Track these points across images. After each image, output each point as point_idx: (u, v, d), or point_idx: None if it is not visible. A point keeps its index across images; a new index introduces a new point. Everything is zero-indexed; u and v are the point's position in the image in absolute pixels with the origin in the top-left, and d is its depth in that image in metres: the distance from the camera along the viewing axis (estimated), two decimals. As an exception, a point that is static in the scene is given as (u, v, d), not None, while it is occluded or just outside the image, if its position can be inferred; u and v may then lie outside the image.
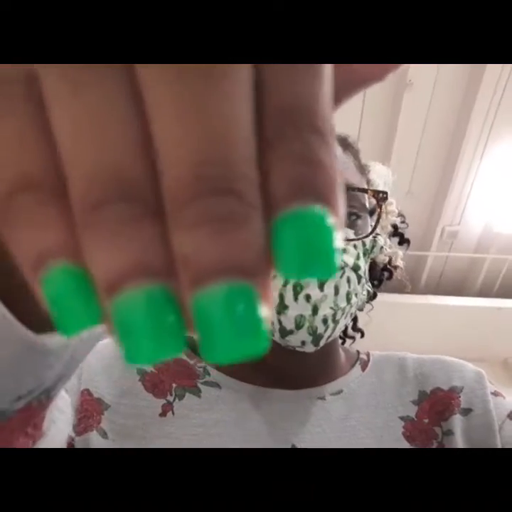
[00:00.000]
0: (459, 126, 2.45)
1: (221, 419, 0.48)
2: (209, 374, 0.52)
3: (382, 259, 0.55)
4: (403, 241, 0.59)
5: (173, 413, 0.48)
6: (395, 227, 0.57)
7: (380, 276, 0.58)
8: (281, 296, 0.45)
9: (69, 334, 0.11)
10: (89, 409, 0.46)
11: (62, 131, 0.10)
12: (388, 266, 0.57)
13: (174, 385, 0.50)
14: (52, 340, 0.21)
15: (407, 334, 2.90)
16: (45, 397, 0.24)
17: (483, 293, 3.07)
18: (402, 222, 0.58)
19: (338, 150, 0.50)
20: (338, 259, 0.10)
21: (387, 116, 2.45)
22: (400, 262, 0.57)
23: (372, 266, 0.55)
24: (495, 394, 0.53)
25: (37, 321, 0.20)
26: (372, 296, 0.57)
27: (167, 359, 0.11)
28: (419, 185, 2.65)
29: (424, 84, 2.29)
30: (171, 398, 0.49)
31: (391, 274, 0.58)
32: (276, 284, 0.45)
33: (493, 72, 2.19)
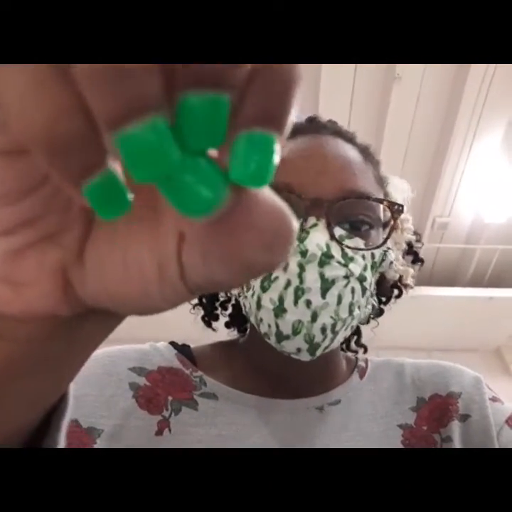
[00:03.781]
0: (447, 119, 2.46)
1: (219, 434, 0.46)
2: (205, 384, 0.50)
3: (392, 275, 0.53)
4: (417, 260, 0.57)
5: (169, 430, 0.46)
6: (409, 245, 0.55)
7: (390, 293, 0.56)
8: (281, 299, 0.43)
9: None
10: (76, 444, 0.43)
11: None
12: (398, 283, 0.55)
13: (170, 398, 0.48)
14: None
15: (399, 325, 2.92)
16: None
17: (475, 283, 3.10)
18: (418, 240, 0.56)
19: (359, 157, 0.48)
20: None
21: (375, 110, 2.46)
22: (410, 281, 0.55)
23: (382, 281, 0.53)
24: (493, 399, 0.52)
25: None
26: (378, 313, 0.56)
27: (167, 170, 0.13)
28: (409, 178, 2.62)
29: (413, 78, 2.30)
30: (166, 413, 0.47)
31: (401, 292, 0.56)
32: (277, 286, 0.43)
33: (480, 64, 2.20)
